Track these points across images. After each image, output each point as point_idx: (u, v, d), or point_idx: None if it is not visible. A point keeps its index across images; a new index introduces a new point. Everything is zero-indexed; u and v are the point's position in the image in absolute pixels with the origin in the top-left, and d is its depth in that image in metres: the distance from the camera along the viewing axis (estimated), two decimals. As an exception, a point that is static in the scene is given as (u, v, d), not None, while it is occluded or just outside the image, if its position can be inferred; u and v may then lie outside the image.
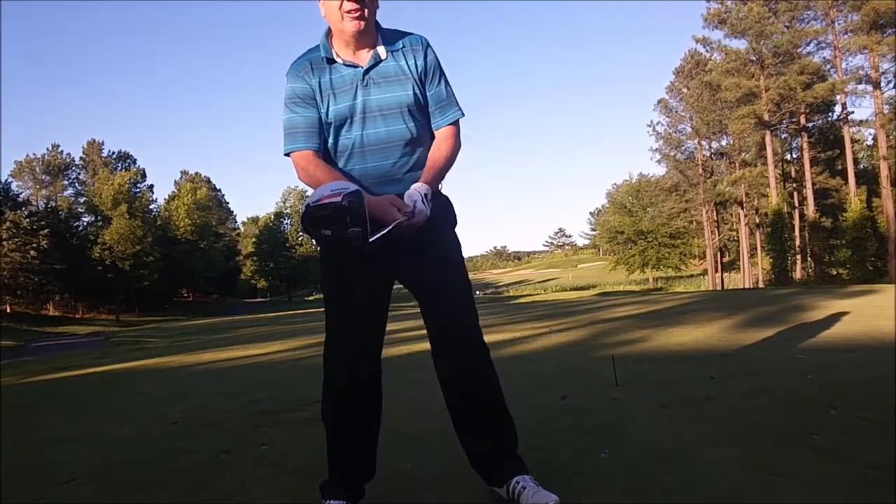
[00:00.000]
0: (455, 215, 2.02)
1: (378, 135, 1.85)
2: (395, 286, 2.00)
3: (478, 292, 55.67)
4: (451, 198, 2.00)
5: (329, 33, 1.87)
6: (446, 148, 1.92)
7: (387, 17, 1.92)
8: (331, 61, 1.85)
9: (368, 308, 1.91)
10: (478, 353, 1.93)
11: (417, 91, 1.88)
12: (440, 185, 1.93)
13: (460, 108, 1.96)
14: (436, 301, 1.90)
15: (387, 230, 1.67)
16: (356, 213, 1.58)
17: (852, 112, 35.41)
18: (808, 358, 4.28)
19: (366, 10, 1.78)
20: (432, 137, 1.96)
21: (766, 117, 36.00)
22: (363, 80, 1.84)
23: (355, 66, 1.84)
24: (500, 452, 1.93)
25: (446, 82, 1.94)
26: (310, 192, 1.80)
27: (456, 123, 1.96)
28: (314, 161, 1.85)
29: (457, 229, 2.02)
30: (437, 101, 1.92)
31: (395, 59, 1.86)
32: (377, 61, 1.84)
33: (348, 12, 1.76)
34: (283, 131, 1.88)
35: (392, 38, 1.89)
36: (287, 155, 1.89)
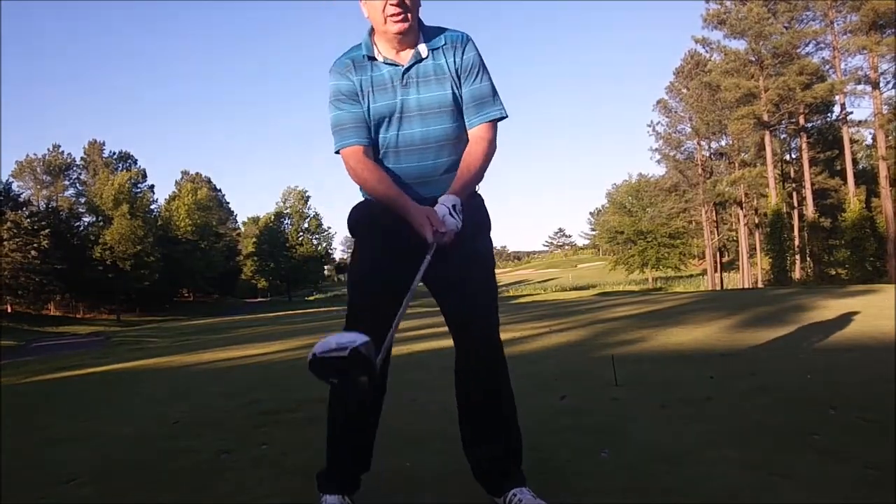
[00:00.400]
0: (488, 218, 2.00)
1: (415, 135, 1.84)
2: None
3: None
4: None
5: (372, 32, 1.86)
6: (478, 153, 1.86)
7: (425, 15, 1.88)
8: (371, 59, 1.84)
9: (390, 303, 1.86)
10: (496, 353, 1.92)
11: (456, 90, 1.85)
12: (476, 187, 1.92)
13: (502, 107, 1.90)
14: (460, 298, 1.87)
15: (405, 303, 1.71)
16: (363, 363, 1.56)
17: (851, 112, 35.54)
18: (807, 358, 4.28)
19: (409, 13, 1.77)
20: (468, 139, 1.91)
21: (765, 118, 36.02)
22: (402, 79, 1.82)
23: (395, 65, 1.83)
24: (507, 457, 1.91)
25: (489, 79, 1.88)
26: (356, 189, 1.89)
27: (493, 123, 1.89)
28: (363, 160, 1.83)
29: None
30: (473, 98, 1.87)
31: (434, 57, 1.84)
32: (417, 60, 1.83)
33: (392, 15, 1.75)
34: (332, 129, 1.87)
35: (433, 35, 1.86)
36: (337, 153, 1.89)
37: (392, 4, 1.74)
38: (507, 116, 1.90)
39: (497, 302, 1.96)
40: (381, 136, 1.86)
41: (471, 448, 1.95)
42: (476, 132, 1.89)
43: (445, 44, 1.85)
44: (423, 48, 1.84)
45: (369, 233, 1.90)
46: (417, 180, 1.87)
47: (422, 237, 1.70)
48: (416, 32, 1.84)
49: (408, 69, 1.83)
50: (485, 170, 1.88)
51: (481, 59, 1.88)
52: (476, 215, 1.91)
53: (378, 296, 1.84)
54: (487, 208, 2.00)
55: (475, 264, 1.90)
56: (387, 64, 1.83)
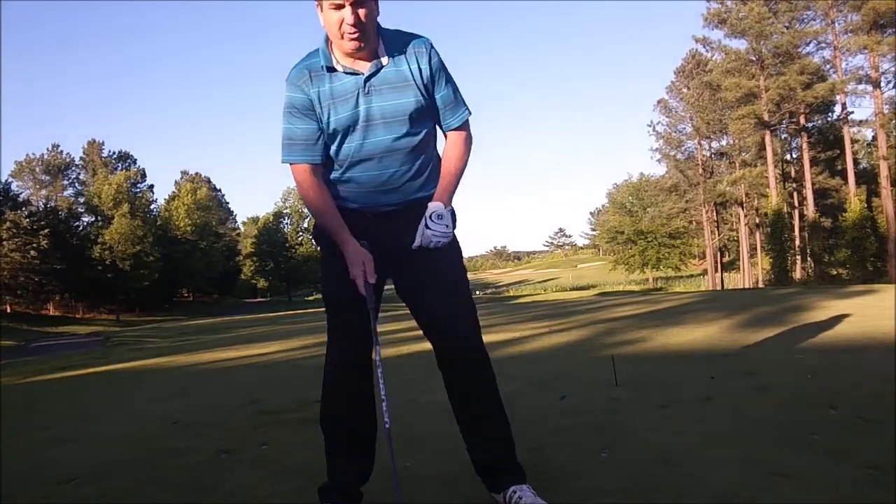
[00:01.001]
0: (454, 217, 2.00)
1: (378, 143, 1.83)
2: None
3: (477, 292, 55.70)
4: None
5: (329, 39, 1.83)
6: (457, 155, 1.91)
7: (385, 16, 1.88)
8: (331, 69, 1.82)
9: (354, 308, 1.89)
10: (478, 355, 1.92)
11: (421, 96, 1.84)
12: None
13: (467, 107, 1.95)
14: (434, 306, 1.89)
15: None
16: None
17: (852, 112, 35.50)
18: (807, 358, 4.28)
19: (365, 30, 1.74)
20: (433, 143, 1.94)
21: (766, 117, 36.01)
22: (364, 87, 1.80)
23: (356, 74, 1.81)
24: (500, 460, 1.92)
25: (452, 82, 1.91)
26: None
27: (467, 123, 1.95)
28: (309, 178, 1.86)
29: (456, 231, 1.99)
30: (445, 102, 1.89)
31: (396, 64, 1.82)
32: (378, 69, 1.81)
33: (348, 32, 1.73)
34: (282, 140, 1.87)
35: (394, 41, 1.84)
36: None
37: (348, 24, 1.71)
38: (471, 114, 1.96)
39: (472, 301, 1.97)
40: (344, 145, 1.85)
41: (469, 448, 1.98)
42: (454, 135, 1.93)
43: (407, 50, 1.83)
44: (384, 56, 1.82)
45: (329, 244, 1.91)
46: (381, 188, 1.87)
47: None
48: (376, 40, 1.81)
49: (369, 78, 1.80)
50: (464, 170, 1.93)
51: (443, 63, 1.89)
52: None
53: (345, 306, 1.89)
54: (455, 210, 2.00)
55: (446, 269, 1.91)
56: (347, 73, 1.81)
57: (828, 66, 35.60)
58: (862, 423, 2.55)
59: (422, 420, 3.15)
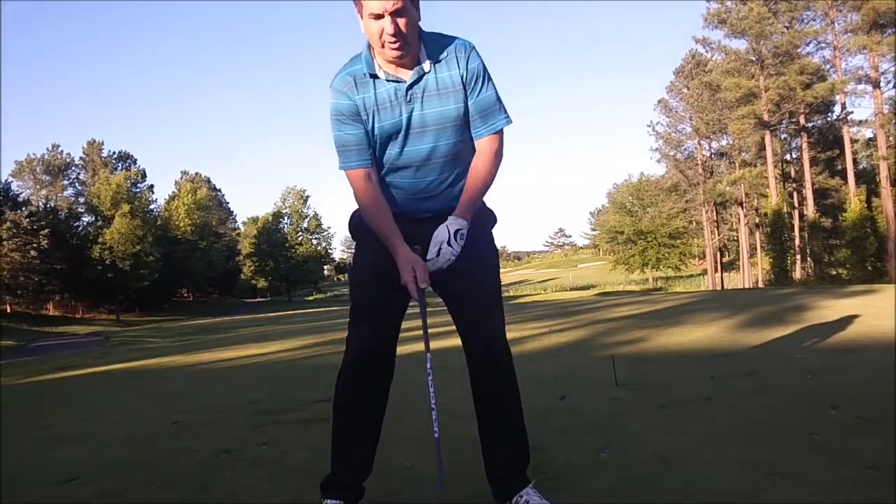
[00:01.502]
0: (494, 217, 2.01)
1: (420, 151, 1.82)
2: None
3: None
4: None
5: (370, 45, 1.81)
6: (485, 167, 1.85)
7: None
8: (374, 76, 1.80)
9: (388, 299, 1.90)
10: (502, 360, 1.94)
11: (462, 102, 1.82)
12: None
13: (507, 116, 1.87)
14: (468, 314, 1.91)
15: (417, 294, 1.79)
16: None
17: (852, 112, 35.50)
18: (808, 358, 4.28)
19: (406, 39, 1.72)
20: (474, 150, 1.89)
21: (765, 117, 36.02)
22: (407, 95, 1.79)
23: (399, 81, 1.79)
24: (512, 469, 1.92)
25: (493, 88, 1.85)
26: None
27: (500, 133, 1.87)
28: (365, 183, 1.84)
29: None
30: (480, 108, 1.83)
31: (438, 71, 1.80)
32: (420, 76, 1.79)
33: (389, 42, 1.71)
34: (336, 149, 1.86)
35: (435, 46, 1.81)
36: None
37: (388, 34, 1.69)
38: (511, 122, 1.88)
39: (503, 311, 1.97)
40: (386, 152, 1.85)
41: (485, 452, 1.97)
42: (483, 144, 1.86)
43: (448, 55, 1.80)
44: (426, 63, 1.80)
45: (368, 237, 1.91)
46: (421, 195, 1.87)
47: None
48: (418, 46, 1.79)
49: (411, 86, 1.79)
50: (491, 182, 1.87)
51: (485, 67, 1.84)
52: (481, 215, 1.92)
53: (378, 296, 1.89)
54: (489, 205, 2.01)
55: (482, 278, 1.92)
56: (390, 81, 1.80)
57: (828, 66, 35.63)
58: (862, 423, 2.55)
59: (422, 420, 3.14)
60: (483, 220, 1.96)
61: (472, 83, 1.82)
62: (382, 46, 1.72)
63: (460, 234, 1.78)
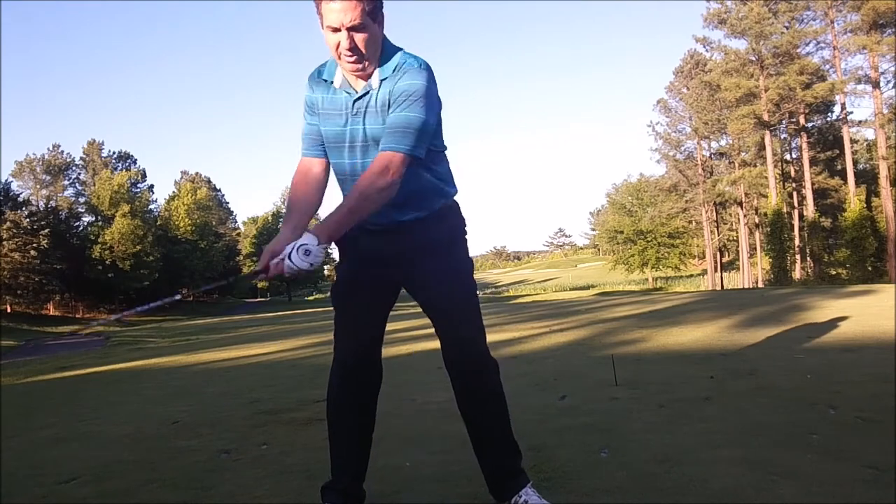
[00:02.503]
0: (462, 222, 2.00)
1: (363, 165, 1.82)
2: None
3: (478, 292, 55.44)
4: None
5: None
6: (361, 187, 1.71)
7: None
8: (328, 83, 1.85)
9: (364, 304, 1.94)
10: (480, 365, 1.92)
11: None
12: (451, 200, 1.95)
13: (415, 147, 1.72)
14: (443, 319, 1.91)
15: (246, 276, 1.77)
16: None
17: (852, 112, 35.52)
18: (807, 358, 4.28)
19: (363, 57, 1.72)
20: (416, 170, 1.79)
21: (765, 117, 36.01)
22: (353, 108, 1.80)
23: (349, 92, 1.81)
24: (501, 467, 1.92)
25: (421, 113, 1.71)
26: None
27: (394, 157, 1.70)
28: (302, 170, 1.95)
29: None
30: (389, 125, 1.73)
31: (383, 87, 1.77)
32: (367, 91, 1.79)
33: (345, 56, 1.72)
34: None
35: (391, 65, 1.77)
36: None
37: (345, 48, 1.69)
38: (415, 157, 1.73)
39: (479, 313, 1.95)
40: (337, 161, 1.88)
41: (478, 455, 1.97)
42: (375, 161, 1.72)
43: (394, 73, 1.76)
44: (375, 79, 1.78)
45: (346, 243, 1.96)
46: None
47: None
48: (376, 61, 1.78)
49: (357, 99, 1.80)
50: (364, 208, 1.71)
51: (425, 91, 1.72)
52: (447, 228, 1.94)
53: (351, 301, 1.96)
54: (461, 210, 2.01)
55: (455, 284, 1.92)
56: (342, 90, 1.83)
57: (827, 66, 35.63)
58: (862, 423, 2.55)
59: (422, 420, 3.15)
60: (455, 235, 1.97)
61: (396, 100, 1.73)
62: (339, 58, 1.75)
63: (304, 249, 1.69)
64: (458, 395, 1.96)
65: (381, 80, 1.78)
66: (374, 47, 1.74)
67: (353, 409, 1.95)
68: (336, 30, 1.69)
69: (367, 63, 1.75)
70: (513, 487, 1.89)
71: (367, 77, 1.79)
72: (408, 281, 1.95)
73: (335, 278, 2.04)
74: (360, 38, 1.69)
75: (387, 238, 1.89)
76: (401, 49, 1.82)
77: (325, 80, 1.85)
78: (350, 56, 1.71)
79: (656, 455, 2.31)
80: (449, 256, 1.94)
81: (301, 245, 1.69)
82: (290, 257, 1.69)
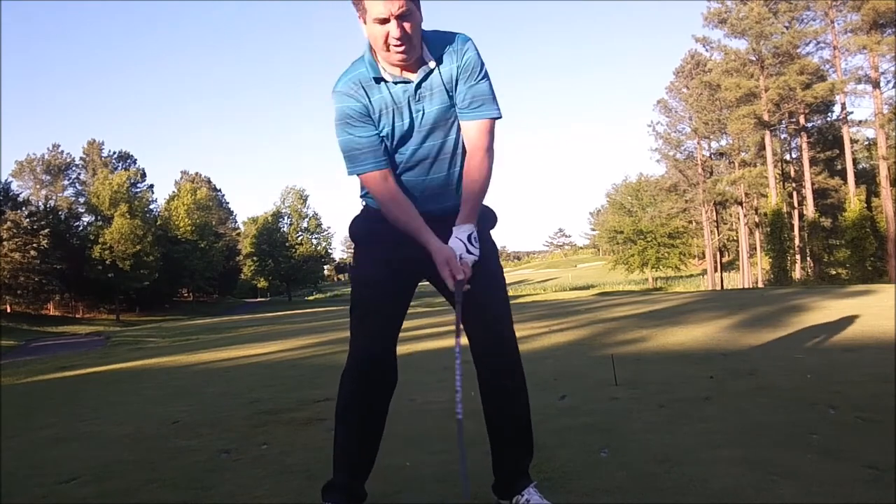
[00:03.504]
0: (494, 217, 2.00)
1: (431, 148, 1.83)
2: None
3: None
4: None
5: (373, 49, 1.77)
6: (479, 167, 1.81)
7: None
8: (379, 80, 1.79)
9: (393, 304, 1.91)
10: (516, 364, 1.93)
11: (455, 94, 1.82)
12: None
13: (498, 110, 1.84)
14: (483, 326, 1.89)
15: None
16: None
17: (852, 112, 35.51)
18: (807, 358, 4.28)
19: (411, 42, 1.70)
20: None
21: (765, 117, 36.01)
22: (416, 95, 1.79)
23: (407, 82, 1.78)
24: (517, 468, 1.92)
25: (487, 80, 1.82)
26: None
27: (490, 124, 1.83)
28: (384, 185, 1.81)
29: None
30: (471, 96, 1.81)
31: (445, 62, 1.80)
32: (427, 73, 1.78)
33: (394, 46, 1.69)
34: (344, 154, 1.82)
35: (437, 43, 1.80)
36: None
37: (394, 37, 1.67)
38: (501, 117, 1.86)
39: (508, 306, 1.97)
40: (398, 152, 1.84)
41: (494, 448, 1.96)
42: (473, 136, 1.82)
43: (448, 50, 1.80)
44: (430, 61, 1.79)
45: (369, 242, 1.92)
46: (432, 193, 1.86)
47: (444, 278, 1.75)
48: (420, 47, 1.78)
49: (419, 84, 1.78)
50: (489, 180, 1.83)
51: (481, 61, 1.82)
52: (483, 218, 1.91)
53: (379, 300, 1.88)
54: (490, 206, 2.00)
55: (493, 286, 1.92)
56: (398, 83, 1.78)
57: (827, 66, 35.63)
58: (862, 423, 2.55)
59: (422, 420, 3.15)
60: (486, 217, 1.95)
61: (467, 73, 1.81)
62: (387, 50, 1.71)
63: (473, 237, 1.77)
64: (488, 394, 1.93)
65: (436, 60, 1.79)
66: (418, 33, 1.74)
67: (371, 410, 1.92)
68: (384, 20, 1.67)
69: (413, 51, 1.73)
70: (519, 487, 1.89)
71: (413, 66, 1.77)
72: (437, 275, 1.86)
73: (362, 268, 1.95)
74: (408, 25, 1.68)
75: (436, 226, 1.81)
76: (436, 31, 1.84)
77: (374, 80, 1.78)
78: (399, 46, 1.69)
79: (656, 455, 2.31)
80: (486, 242, 1.91)
81: (468, 235, 1.78)
82: (468, 251, 1.76)
